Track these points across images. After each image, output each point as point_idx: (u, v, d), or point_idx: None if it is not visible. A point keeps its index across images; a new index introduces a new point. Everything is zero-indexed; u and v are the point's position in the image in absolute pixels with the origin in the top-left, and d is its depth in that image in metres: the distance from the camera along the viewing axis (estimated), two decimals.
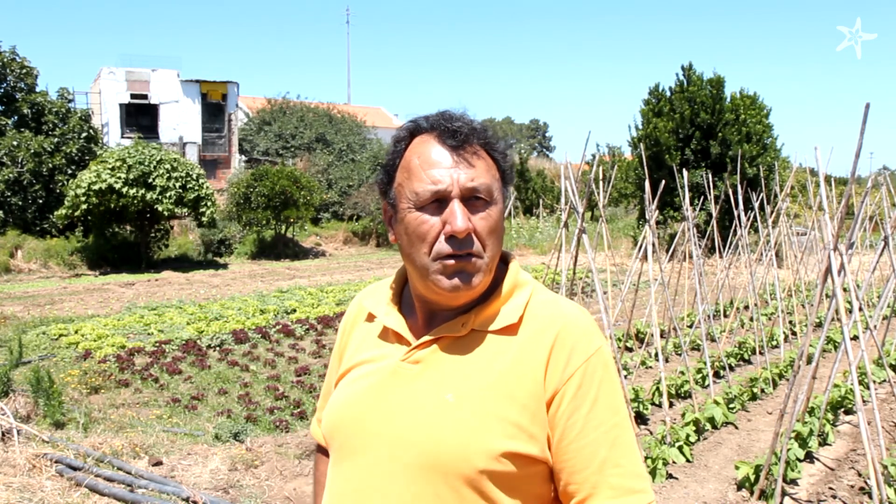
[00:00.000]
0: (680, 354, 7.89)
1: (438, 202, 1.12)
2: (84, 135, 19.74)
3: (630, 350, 8.15)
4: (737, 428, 5.84)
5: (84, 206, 16.31)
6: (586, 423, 1.11)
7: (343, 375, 1.27)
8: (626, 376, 6.93)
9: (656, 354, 5.94)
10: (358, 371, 1.24)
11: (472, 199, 1.13)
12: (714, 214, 8.93)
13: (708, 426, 5.67)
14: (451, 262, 1.12)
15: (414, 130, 1.18)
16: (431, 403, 1.12)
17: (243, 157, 29.77)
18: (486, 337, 1.16)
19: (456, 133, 1.14)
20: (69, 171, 18.85)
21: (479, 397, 1.11)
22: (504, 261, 1.24)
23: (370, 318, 1.30)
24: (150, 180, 16.78)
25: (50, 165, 18.74)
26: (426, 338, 1.18)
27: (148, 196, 16.64)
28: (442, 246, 1.11)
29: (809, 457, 5.13)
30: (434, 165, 1.13)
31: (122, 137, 26.56)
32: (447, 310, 1.20)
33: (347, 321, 1.37)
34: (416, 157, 1.14)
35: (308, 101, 33.15)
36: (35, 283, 15.24)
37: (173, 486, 4.15)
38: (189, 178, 17.41)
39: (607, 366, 1.15)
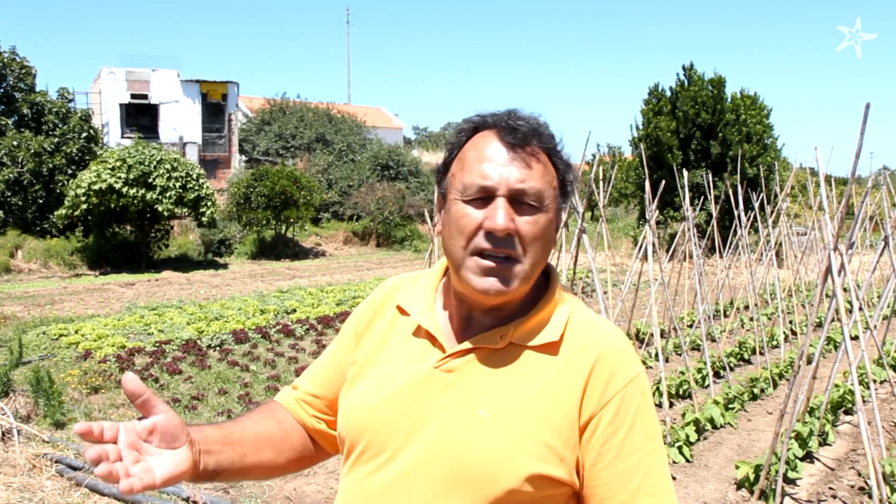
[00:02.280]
0: (680, 354, 7.89)
1: (484, 198, 1.09)
2: (84, 135, 19.74)
3: None
4: (737, 428, 5.84)
5: (84, 206, 16.32)
6: (621, 449, 1.09)
7: (366, 370, 1.22)
8: None
9: (656, 354, 5.95)
10: (386, 370, 1.19)
11: (520, 201, 1.10)
12: (714, 214, 8.92)
13: (708, 426, 5.67)
14: (487, 263, 1.08)
15: (479, 125, 1.15)
16: (464, 417, 1.09)
17: (243, 157, 29.78)
18: (524, 352, 1.13)
19: (515, 131, 1.11)
20: (69, 171, 18.85)
21: (514, 416, 1.08)
22: (546, 274, 1.21)
23: (401, 311, 1.25)
24: (150, 180, 16.78)
25: (50, 165, 18.73)
26: (462, 346, 1.14)
27: (148, 196, 16.64)
28: (479, 241, 1.09)
29: (809, 457, 5.13)
30: (487, 160, 1.10)
31: (123, 137, 26.56)
32: (484, 313, 1.16)
33: (371, 306, 1.31)
34: (472, 150, 1.13)
35: (308, 101, 33.18)
36: (35, 283, 15.24)
37: (173, 485, 4.15)
38: (189, 178, 17.41)
39: (645, 393, 1.13)
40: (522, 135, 1.11)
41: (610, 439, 1.09)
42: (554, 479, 1.07)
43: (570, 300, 1.19)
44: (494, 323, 1.15)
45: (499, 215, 1.07)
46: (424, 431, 1.11)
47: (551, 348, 1.13)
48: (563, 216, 1.18)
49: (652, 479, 1.09)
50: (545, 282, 1.20)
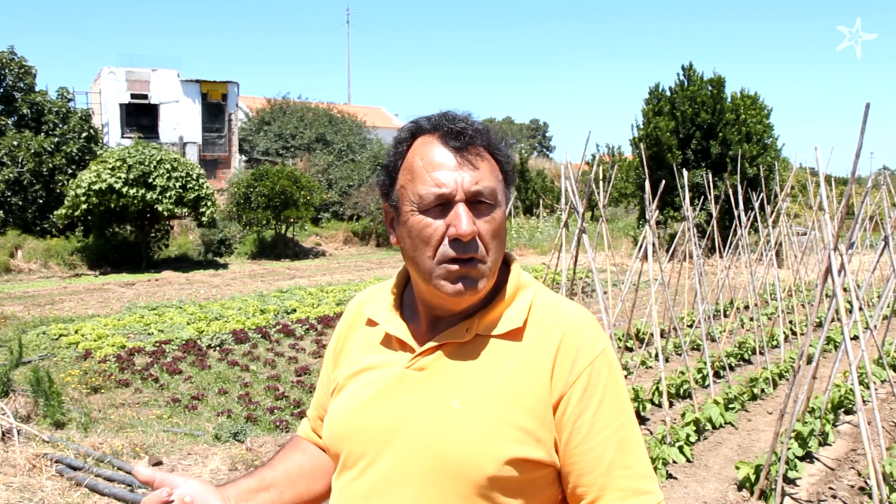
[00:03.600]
0: (680, 354, 7.89)
1: (442, 205, 1.10)
2: (84, 135, 19.75)
3: (630, 350, 8.15)
4: (737, 428, 5.84)
5: (84, 206, 16.32)
6: (592, 424, 1.10)
7: (344, 383, 1.25)
8: (626, 376, 6.92)
9: (656, 354, 5.95)
10: (361, 379, 1.22)
11: (477, 203, 1.11)
12: (714, 214, 8.92)
13: (708, 426, 5.67)
14: (455, 266, 1.10)
15: (416, 131, 1.16)
16: (438, 411, 1.11)
17: (243, 157, 29.78)
18: (491, 342, 1.15)
19: (460, 134, 1.11)
20: (69, 171, 18.86)
21: (486, 403, 1.10)
22: (505, 262, 1.23)
23: (371, 323, 1.28)
24: (150, 180, 16.78)
25: (50, 165, 18.74)
26: (430, 344, 1.16)
27: (148, 196, 16.65)
28: (446, 249, 1.10)
29: (809, 457, 5.13)
30: (438, 167, 1.10)
31: (123, 137, 26.56)
32: (451, 314, 1.18)
33: (344, 325, 1.35)
34: (418, 159, 1.12)
35: (308, 101, 33.16)
36: (35, 283, 15.24)
37: None
38: (189, 178, 17.41)
39: (612, 366, 1.15)
40: (467, 137, 1.12)
41: (581, 416, 1.10)
42: (533, 461, 1.09)
43: (532, 284, 1.21)
44: (460, 319, 1.17)
45: (463, 222, 1.08)
46: (402, 431, 1.12)
47: (516, 334, 1.15)
48: (509, 203, 1.20)
49: (625, 451, 1.11)
50: (505, 270, 1.21)
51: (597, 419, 1.10)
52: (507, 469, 1.07)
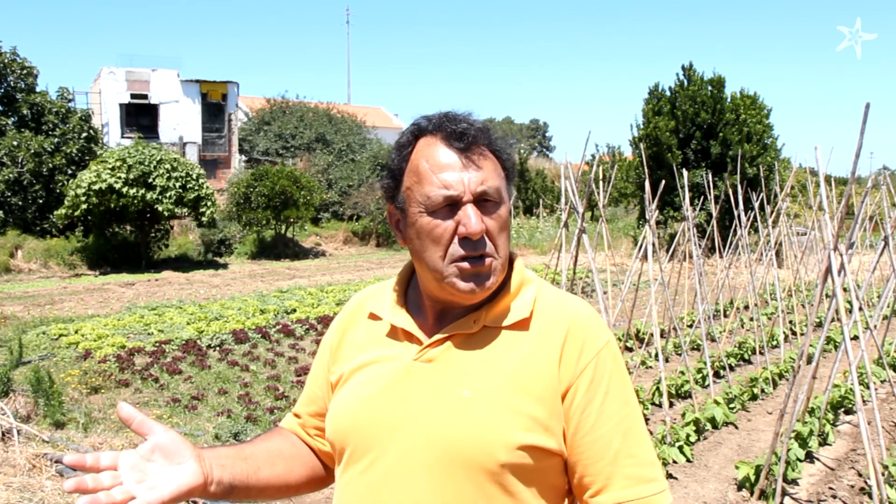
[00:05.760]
0: (680, 354, 7.89)
1: (450, 206, 1.13)
2: (84, 135, 19.74)
3: (630, 350, 8.15)
4: (737, 428, 5.84)
5: (84, 206, 16.32)
6: (599, 415, 1.13)
7: (349, 377, 1.25)
8: None
9: (656, 354, 5.95)
10: (367, 372, 1.22)
11: (483, 201, 1.14)
12: (714, 214, 8.92)
13: (708, 426, 5.67)
14: (467, 265, 1.13)
15: (418, 133, 1.17)
16: (449, 400, 1.13)
17: (243, 157, 29.76)
18: (499, 333, 1.17)
19: (463, 135, 1.14)
20: (69, 171, 18.85)
21: (496, 392, 1.12)
22: (509, 259, 1.25)
23: (374, 317, 1.28)
24: (150, 180, 16.78)
25: (50, 165, 18.74)
26: (438, 336, 1.18)
27: (148, 196, 16.65)
28: (456, 248, 1.12)
29: (809, 457, 5.13)
30: (444, 169, 1.12)
31: (123, 137, 26.54)
32: (459, 308, 1.20)
33: (343, 320, 1.35)
34: (424, 161, 1.14)
35: (308, 101, 33.15)
36: (35, 283, 15.24)
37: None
38: (189, 178, 17.41)
39: (616, 358, 1.18)
40: (471, 137, 1.14)
41: (588, 406, 1.13)
42: (543, 449, 1.11)
43: (535, 280, 1.25)
44: (467, 311, 1.20)
45: (472, 221, 1.11)
46: (412, 421, 1.13)
47: (523, 325, 1.18)
48: (511, 198, 1.22)
49: (631, 440, 1.14)
50: (509, 266, 1.24)
51: (603, 409, 1.13)
52: (518, 455, 1.09)
